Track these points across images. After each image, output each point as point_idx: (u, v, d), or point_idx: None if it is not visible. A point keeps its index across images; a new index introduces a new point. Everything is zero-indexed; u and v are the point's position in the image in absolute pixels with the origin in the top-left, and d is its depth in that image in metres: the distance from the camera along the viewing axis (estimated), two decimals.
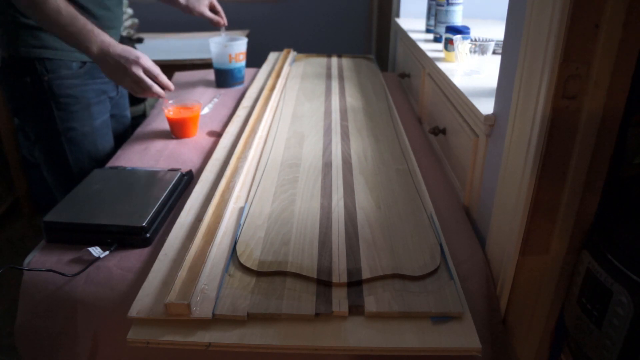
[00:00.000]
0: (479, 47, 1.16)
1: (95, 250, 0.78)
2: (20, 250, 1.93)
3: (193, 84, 1.63)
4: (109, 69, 1.01)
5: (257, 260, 0.74)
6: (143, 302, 0.66)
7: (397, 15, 1.97)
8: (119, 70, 1.01)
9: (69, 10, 0.96)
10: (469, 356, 0.63)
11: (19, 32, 1.06)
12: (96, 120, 1.17)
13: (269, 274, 0.72)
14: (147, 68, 1.04)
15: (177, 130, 1.21)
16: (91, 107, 1.15)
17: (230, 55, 1.53)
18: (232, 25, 2.85)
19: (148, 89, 1.05)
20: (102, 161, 1.16)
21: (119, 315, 0.67)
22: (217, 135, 1.24)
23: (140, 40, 2.45)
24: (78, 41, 0.98)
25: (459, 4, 1.39)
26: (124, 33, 2.30)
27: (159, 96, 1.08)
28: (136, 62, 1.01)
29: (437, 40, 1.45)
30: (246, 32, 2.54)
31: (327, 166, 1.03)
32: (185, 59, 2.10)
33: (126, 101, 1.39)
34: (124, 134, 1.38)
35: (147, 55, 1.06)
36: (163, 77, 1.08)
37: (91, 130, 1.16)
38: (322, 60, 1.88)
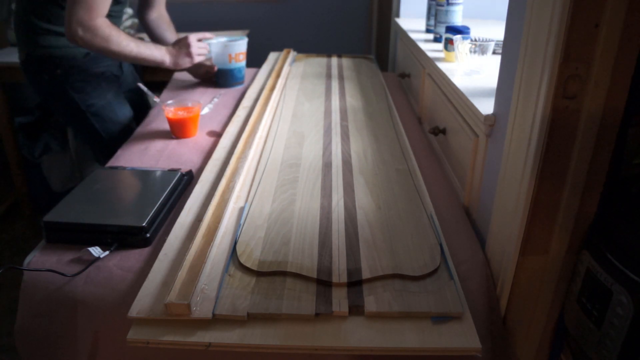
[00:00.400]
0: (479, 47, 1.16)
1: (95, 250, 0.78)
2: (20, 250, 1.93)
3: (193, 84, 1.63)
4: (180, 62, 1.37)
5: (257, 260, 0.74)
6: (143, 302, 0.66)
7: (397, 15, 1.97)
8: (182, 55, 1.37)
9: (132, 46, 1.25)
10: (469, 356, 0.63)
11: (34, 35, 1.28)
12: (108, 93, 1.39)
13: (269, 274, 0.72)
14: (195, 43, 1.38)
15: (177, 130, 1.21)
16: (101, 84, 1.38)
17: (230, 55, 1.53)
18: (232, 25, 2.85)
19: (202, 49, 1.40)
20: (125, 125, 1.42)
21: (119, 315, 0.67)
22: (217, 135, 1.24)
23: None
24: (151, 63, 1.31)
25: (459, 4, 1.39)
26: None
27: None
28: (186, 44, 1.37)
29: (437, 40, 1.45)
30: (246, 32, 2.54)
31: (327, 166, 1.03)
32: None
33: (135, 75, 1.61)
34: (143, 103, 1.60)
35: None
36: (207, 37, 1.45)
37: (107, 102, 1.38)
38: (322, 60, 1.88)
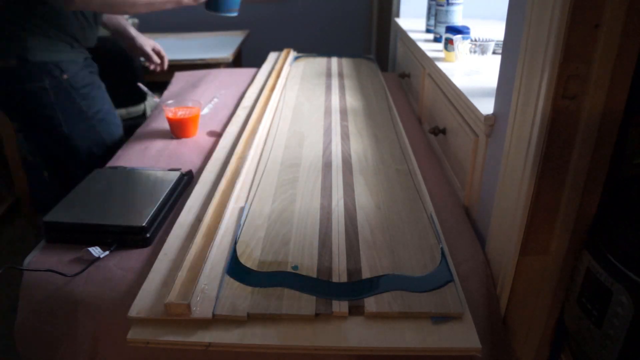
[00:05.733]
0: (479, 47, 1.16)
1: (95, 250, 0.78)
2: (20, 250, 1.93)
3: (193, 84, 1.63)
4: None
5: (257, 260, 0.74)
6: (143, 302, 0.66)
7: (397, 15, 1.97)
8: None
9: None
10: (469, 356, 0.63)
11: (32, 39, 1.15)
12: (106, 94, 1.34)
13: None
14: None
15: (177, 130, 1.21)
16: (101, 88, 1.32)
17: None
18: (232, 26, 2.85)
19: None
20: (120, 127, 1.39)
21: (119, 315, 0.67)
22: (217, 135, 1.24)
23: None
24: (167, 4, 1.23)
25: (459, 4, 1.39)
26: None
27: None
28: None
29: (437, 40, 1.45)
30: (246, 32, 2.54)
31: (327, 166, 1.03)
32: (185, 59, 2.10)
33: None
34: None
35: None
36: None
37: (110, 106, 1.34)
38: (322, 61, 1.88)
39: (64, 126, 1.22)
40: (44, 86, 1.17)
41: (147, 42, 1.50)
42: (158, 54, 1.53)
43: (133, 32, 1.48)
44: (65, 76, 1.20)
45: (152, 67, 1.54)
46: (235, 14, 1.40)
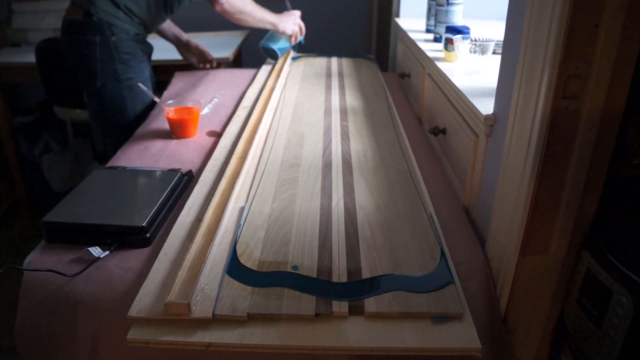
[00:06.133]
0: (479, 47, 1.16)
1: (95, 250, 0.78)
2: (20, 250, 1.93)
3: (193, 84, 1.63)
4: (288, 27, 1.67)
5: (257, 260, 0.74)
6: (143, 302, 0.66)
7: (397, 15, 1.97)
8: (290, 22, 1.68)
9: (257, 7, 1.52)
10: (469, 356, 0.63)
11: (101, 1, 1.36)
12: (145, 72, 1.49)
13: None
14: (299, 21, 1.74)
15: (177, 130, 1.21)
16: (142, 62, 1.47)
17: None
18: (232, 26, 2.84)
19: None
20: (149, 105, 1.47)
21: (119, 315, 0.67)
22: (217, 135, 1.24)
23: None
24: (268, 24, 1.60)
25: (459, 4, 1.39)
26: None
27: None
28: (295, 15, 1.72)
29: (437, 40, 1.45)
30: (246, 32, 2.54)
31: (327, 166, 1.03)
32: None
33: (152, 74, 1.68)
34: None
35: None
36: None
37: (143, 80, 1.45)
38: (322, 61, 1.88)
39: (99, 79, 1.39)
40: (94, 40, 1.37)
41: (199, 43, 1.75)
42: (201, 55, 1.77)
43: (185, 35, 1.73)
44: (113, 38, 1.38)
45: (207, 65, 1.79)
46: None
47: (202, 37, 2.49)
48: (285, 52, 1.82)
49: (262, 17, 1.55)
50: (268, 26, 1.60)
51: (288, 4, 1.80)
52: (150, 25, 1.51)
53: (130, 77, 1.43)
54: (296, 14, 1.72)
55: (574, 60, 0.63)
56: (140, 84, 1.37)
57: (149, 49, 1.55)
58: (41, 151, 2.12)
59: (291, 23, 1.68)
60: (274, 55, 1.75)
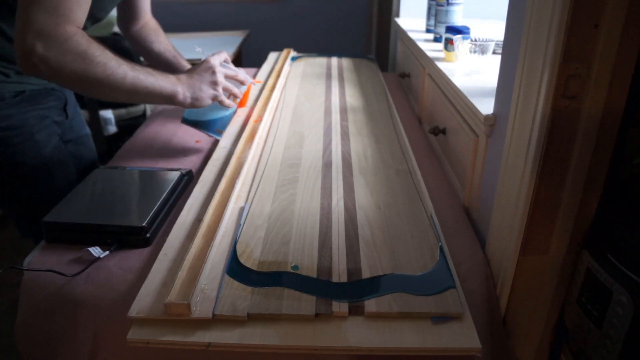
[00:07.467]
0: (479, 47, 1.16)
1: (95, 250, 0.78)
2: (20, 250, 1.92)
3: None
4: (201, 96, 0.96)
5: (257, 260, 0.74)
6: (143, 302, 0.66)
7: (397, 15, 1.98)
8: (203, 85, 0.96)
9: (126, 69, 0.83)
10: (469, 356, 0.63)
11: None
12: (44, 148, 1.00)
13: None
14: (220, 67, 1.00)
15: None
16: (35, 135, 0.98)
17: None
18: (232, 26, 2.85)
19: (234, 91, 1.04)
20: (64, 192, 0.90)
21: (119, 315, 0.67)
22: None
23: None
24: (156, 97, 0.91)
25: (459, 4, 1.39)
26: None
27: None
28: (209, 68, 0.98)
29: (437, 40, 1.45)
30: (246, 32, 2.54)
31: (327, 166, 1.03)
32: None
33: (81, 119, 1.22)
34: (89, 154, 1.22)
35: None
36: (240, 75, 1.06)
37: (42, 161, 1.00)
38: (322, 60, 1.88)
39: None
40: None
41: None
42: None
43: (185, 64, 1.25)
44: None
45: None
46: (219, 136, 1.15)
47: (202, 37, 2.50)
48: (225, 123, 1.15)
49: (136, 78, 0.85)
50: (155, 98, 0.91)
51: (199, 49, 1.26)
52: None
53: (21, 161, 0.97)
54: (209, 63, 0.99)
55: (574, 60, 0.63)
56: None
57: (55, 101, 1.05)
58: None
59: (206, 85, 0.97)
60: (209, 128, 1.12)
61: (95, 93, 0.85)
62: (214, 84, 0.98)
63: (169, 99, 0.91)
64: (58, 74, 0.77)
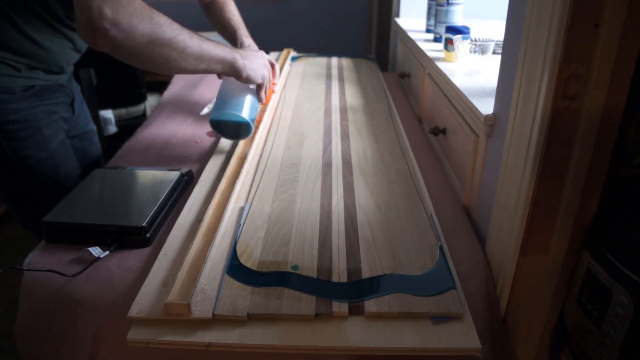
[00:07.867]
0: (479, 47, 1.16)
1: (95, 250, 0.78)
2: (20, 250, 1.92)
3: (193, 84, 1.63)
4: (255, 69, 0.99)
5: (257, 260, 0.74)
6: (143, 302, 0.66)
7: (397, 15, 1.98)
8: (258, 63, 1.01)
9: (194, 38, 0.84)
10: (469, 356, 0.63)
11: None
12: (51, 143, 1.01)
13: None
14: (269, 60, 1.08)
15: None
16: (42, 130, 0.99)
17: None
18: None
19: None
20: (68, 187, 0.95)
21: (119, 315, 0.67)
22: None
23: None
24: (216, 67, 0.90)
25: (459, 4, 1.39)
26: None
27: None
28: (263, 56, 1.05)
29: (437, 40, 1.45)
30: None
31: (327, 166, 1.03)
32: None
33: (87, 115, 1.23)
34: (94, 150, 1.25)
35: None
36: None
37: (48, 156, 1.01)
38: (322, 60, 1.88)
39: None
40: None
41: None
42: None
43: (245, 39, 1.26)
44: None
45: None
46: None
47: None
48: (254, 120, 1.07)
49: (201, 47, 0.85)
50: (218, 67, 0.91)
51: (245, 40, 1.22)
52: (57, 63, 1.00)
53: (26, 155, 0.98)
54: (260, 53, 1.06)
55: (574, 60, 0.63)
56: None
57: (63, 97, 1.06)
58: None
59: (259, 64, 1.01)
60: (244, 132, 1.06)
61: (164, 60, 0.80)
62: (265, 67, 1.04)
63: (230, 64, 0.92)
64: (129, 37, 0.73)
